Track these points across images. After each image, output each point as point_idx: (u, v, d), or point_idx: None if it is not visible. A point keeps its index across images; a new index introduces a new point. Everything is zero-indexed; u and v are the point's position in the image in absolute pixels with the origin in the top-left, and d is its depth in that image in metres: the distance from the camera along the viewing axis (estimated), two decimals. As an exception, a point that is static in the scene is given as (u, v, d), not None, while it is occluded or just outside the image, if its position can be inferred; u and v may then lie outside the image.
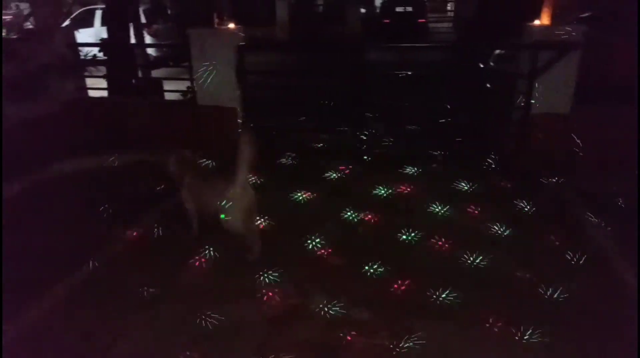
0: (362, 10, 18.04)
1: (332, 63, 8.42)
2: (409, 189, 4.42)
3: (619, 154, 4.33)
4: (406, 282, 3.08)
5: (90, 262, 3.28)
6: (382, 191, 4.39)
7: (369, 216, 3.96)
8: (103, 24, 11.51)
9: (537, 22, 4.69)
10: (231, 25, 5.10)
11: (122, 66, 6.47)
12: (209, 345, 2.60)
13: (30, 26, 5.58)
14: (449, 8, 25.97)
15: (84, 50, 6.18)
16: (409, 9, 17.83)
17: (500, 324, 2.69)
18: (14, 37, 8.64)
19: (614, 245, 3.43)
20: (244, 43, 5.03)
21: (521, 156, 4.70)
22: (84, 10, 13.48)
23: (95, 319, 2.81)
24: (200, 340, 2.64)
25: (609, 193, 4.07)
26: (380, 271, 3.21)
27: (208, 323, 2.75)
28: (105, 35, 7.05)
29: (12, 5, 18.21)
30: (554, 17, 4.60)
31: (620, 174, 4.22)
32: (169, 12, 15.04)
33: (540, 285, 2.99)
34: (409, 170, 4.76)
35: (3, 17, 15.13)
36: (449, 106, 5.13)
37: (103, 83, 6.58)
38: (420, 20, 17.62)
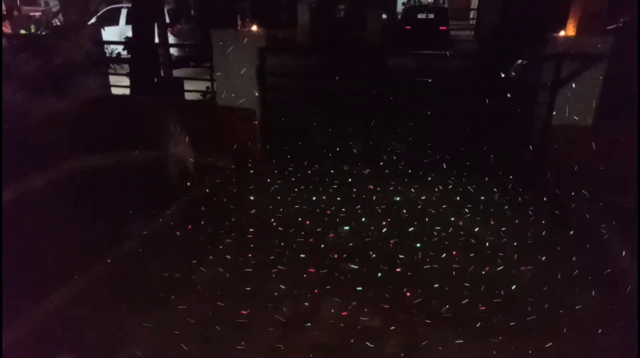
0: (384, 16, 18.02)
1: (353, 68, 8.43)
2: (425, 197, 4.40)
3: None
4: (419, 290, 3.06)
5: (101, 260, 3.31)
6: (399, 198, 4.37)
7: (384, 223, 3.95)
8: (128, 22, 11.73)
9: (562, 32, 4.63)
10: (254, 28, 5.15)
11: (145, 65, 6.57)
12: (219, 347, 2.62)
13: (58, 23, 5.70)
14: (471, 16, 25.77)
15: (109, 48, 6.30)
16: (431, 16, 17.77)
17: (512, 336, 2.65)
18: (42, 33, 8.87)
19: (631, 259, 3.35)
20: (265, 45, 5.07)
21: (541, 167, 4.63)
22: (110, 9, 13.75)
23: (103, 320, 2.82)
24: (210, 342, 2.65)
25: (629, 207, 3.98)
26: (393, 278, 3.20)
27: (219, 324, 2.77)
28: (130, 34, 7.19)
29: (42, 1, 18.68)
30: (579, 28, 4.54)
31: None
32: (192, 12, 15.25)
33: (555, 298, 2.94)
34: (427, 177, 4.73)
35: (32, 13, 15.53)
36: (467, 115, 5.09)
37: (126, 81, 6.69)
38: (441, 28, 17.52)
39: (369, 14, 17.05)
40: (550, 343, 2.59)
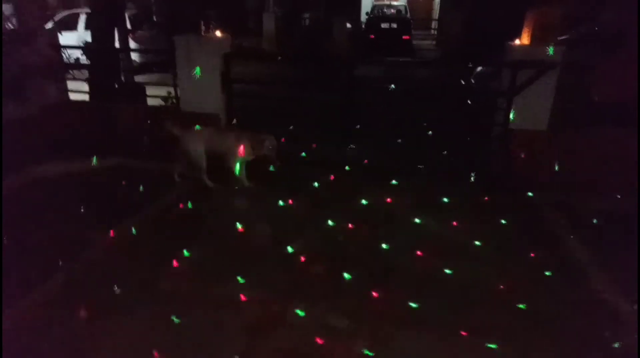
0: (348, 26, 18.27)
1: (318, 75, 8.49)
2: (392, 201, 4.46)
3: (595, 171, 4.45)
4: (386, 292, 3.10)
5: (67, 266, 3.21)
6: (366, 202, 4.41)
7: (351, 226, 3.97)
8: (87, 28, 11.41)
9: (517, 42, 4.83)
10: (218, 34, 5.12)
11: (105, 71, 6.41)
12: (187, 353, 2.56)
13: (12, 27, 5.48)
14: (433, 26, 26.50)
15: (67, 53, 6.12)
16: (394, 25, 18.15)
17: (477, 336, 2.71)
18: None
19: (589, 258, 3.51)
20: (229, 51, 5.05)
21: (500, 170, 4.79)
22: (69, 14, 13.35)
23: (71, 325, 2.73)
24: (178, 348, 2.59)
25: (584, 208, 4.18)
26: (360, 280, 3.22)
27: (186, 330, 2.71)
28: (89, 39, 7.00)
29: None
30: (533, 38, 4.74)
31: (595, 189, 4.34)
32: (155, 19, 14.99)
33: (518, 297, 3.04)
34: (393, 182, 4.80)
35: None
36: (426, 123, 5.22)
37: (85, 87, 6.50)
38: (404, 37, 17.93)
39: (334, 24, 17.25)
40: (515, 343, 2.66)
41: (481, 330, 2.76)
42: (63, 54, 5.96)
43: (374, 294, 3.06)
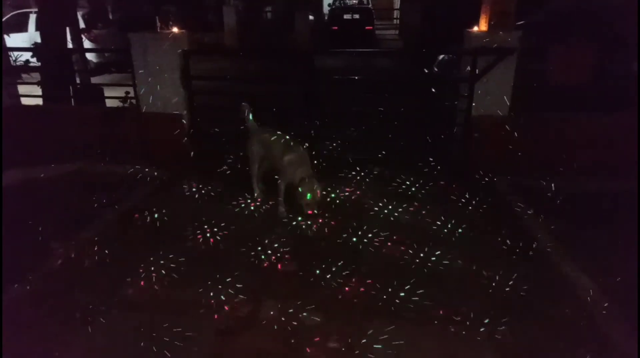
0: (311, 18, 18.17)
1: (281, 69, 8.40)
2: (356, 192, 4.46)
3: (555, 153, 4.58)
4: (357, 284, 3.09)
5: (25, 279, 3.06)
6: (330, 195, 4.40)
7: (319, 220, 3.95)
8: (37, 28, 10.92)
9: (475, 28, 4.89)
10: (175, 30, 4.97)
11: (58, 72, 6.14)
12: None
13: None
14: (395, 16, 26.68)
15: (14, 55, 5.82)
16: (356, 16, 18.17)
17: (451, 319, 2.75)
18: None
19: (550, 236, 3.61)
20: (187, 48, 4.91)
21: (464, 156, 4.86)
22: (17, 14, 12.72)
23: (34, 338, 2.62)
24: (148, 355, 2.51)
25: (546, 190, 4.29)
26: (331, 274, 3.20)
27: (156, 337, 2.63)
28: (39, 40, 6.68)
29: None
30: (491, 24, 4.80)
31: (555, 171, 4.46)
32: (110, 16, 14.49)
33: (486, 279, 3.10)
34: (355, 173, 4.80)
35: None
36: (390, 112, 5.23)
37: (38, 91, 6.21)
38: (367, 28, 17.98)
39: (296, 16, 17.11)
40: (488, 323, 2.71)
41: (456, 314, 2.79)
42: (11, 57, 5.66)
43: (346, 288, 3.05)
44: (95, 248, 3.47)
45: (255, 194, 4.36)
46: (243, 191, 4.41)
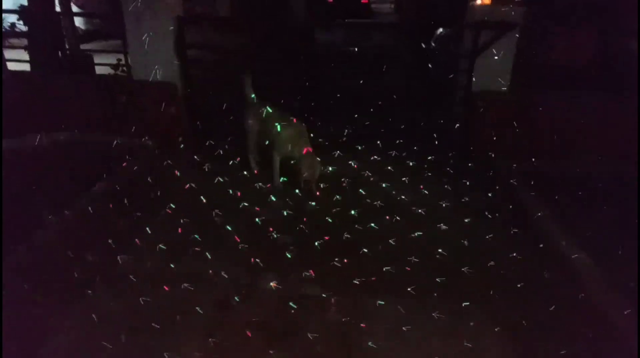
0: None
1: (277, 41, 8.20)
2: (357, 168, 4.42)
3: (553, 132, 4.54)
4: (357, 259, 3.09)
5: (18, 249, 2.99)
6: (331, 169, 4.35)
7: (318, 193, 3.92)
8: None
9: (478, 2, 4.78)
10: (169, -5, 4.77)
11: (46, 38, 5.92)
12: (155, 332, 2.47)
13: None
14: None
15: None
16: (352, -12, 17.76)
17: (451, 298, 2.76)
18: None
19: (549, 217, 3.60)
20: (182, 15, 4.75)
21: (464, 133, 4.82)
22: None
23: (25, 312, 2.56)
24: (144, 327, 2.49)
25: (543, 169, 4.27)
26: (330, 248, 3.19)
27: (153, 308, 2.61)
28: (24, 2, 6.41)
29: None
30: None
31: (554, 152, 4.44)
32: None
33: (485, 259, 3.10)
34: (358, 149, 4.75)
35: None
36: (392, 84, 5.14)
37: (25, 56, 6.00)
38: (363, 1, 17.65)
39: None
40: (483, 303, 2.72)
41: (455, 291, 2.81)
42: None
43: (344, 261, 3.04)
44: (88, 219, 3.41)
45: (252, 166, 4.33)
46: (238, 165, 4.35)
